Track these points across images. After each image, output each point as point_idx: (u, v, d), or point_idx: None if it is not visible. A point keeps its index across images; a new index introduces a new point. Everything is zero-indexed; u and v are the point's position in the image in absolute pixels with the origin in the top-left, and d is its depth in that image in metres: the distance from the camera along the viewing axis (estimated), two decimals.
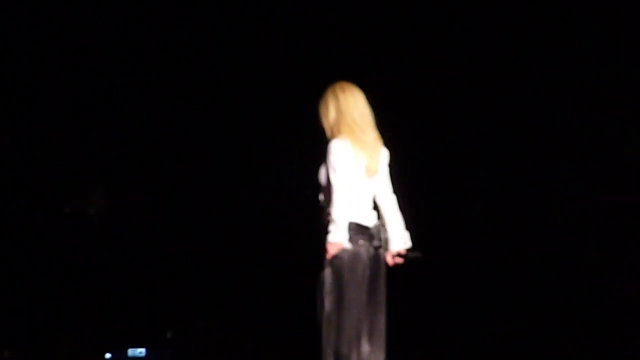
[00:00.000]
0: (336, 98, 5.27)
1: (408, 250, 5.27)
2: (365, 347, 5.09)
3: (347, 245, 5.02)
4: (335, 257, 5.00)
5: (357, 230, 5.08)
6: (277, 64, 9.15)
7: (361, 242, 5.07)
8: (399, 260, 5.25)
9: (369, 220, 5.20)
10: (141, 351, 5.70)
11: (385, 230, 5.25)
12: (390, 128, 5.41)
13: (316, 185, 5.25)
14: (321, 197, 5.21)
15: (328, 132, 5.26)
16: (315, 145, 5.16)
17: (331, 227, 5.00)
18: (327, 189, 5.13)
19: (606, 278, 8.03)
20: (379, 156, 5.27)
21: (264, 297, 9.01)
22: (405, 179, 5.47)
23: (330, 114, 5.25)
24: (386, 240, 5.24)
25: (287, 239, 8.50)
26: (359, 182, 5.18)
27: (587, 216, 8.25)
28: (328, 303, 5.00)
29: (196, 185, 9.31)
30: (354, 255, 5.04)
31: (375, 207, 5.28)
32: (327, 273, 5.02)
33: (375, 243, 5.17)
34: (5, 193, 8.31)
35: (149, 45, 8.85)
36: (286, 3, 8.95)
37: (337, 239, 4.99)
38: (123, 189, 8.98)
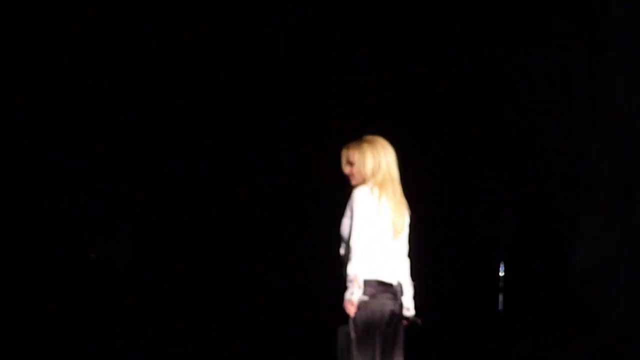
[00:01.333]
0: (376, 150, 5.27)
1: (411, 317, 5.32)
2: None
3: (367, 299, 5.01)
4: (357, 312, 5.00)
5: (378, 287, 5.08)
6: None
7: (384, 297, 5.07)
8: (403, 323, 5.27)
9: (392, 277, 5.21)
10: None
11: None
12: None
13: (338, 237, 5.26)
14: (342, 250, 5.22)
15: (358, 180, 5.27)
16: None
17: (349, 284, 5.00)
18: (348, 242, 5.10)
19: None
20: (404, 216, 5.30)
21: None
22: None
23: (367, 164, 5.24)
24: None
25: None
26: (384, 236, 5.20)
27: None
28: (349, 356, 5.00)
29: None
30: (376, 312, 5.03)
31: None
32: (349, 328, 5.03)
33: (399, 300, 5.20)
34: (29, 240, 8.31)
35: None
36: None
37: (355, 297, 4.98)
38: (148, 231, 8.93)
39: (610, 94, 8.10)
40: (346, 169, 5.33)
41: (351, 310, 4.98)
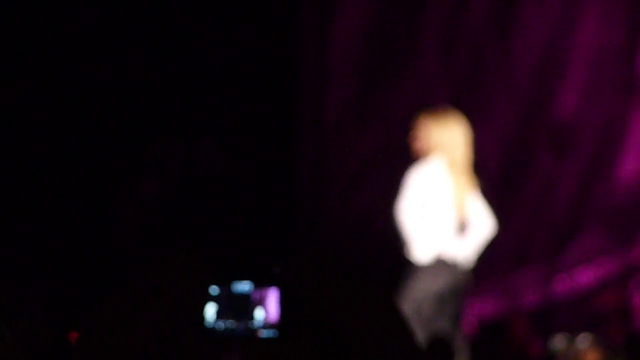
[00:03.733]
0: (442, 125, 5.23)
1: None
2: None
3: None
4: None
5: (440, 266, 5.15)
6: None
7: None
8: None
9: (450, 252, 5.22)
10: (246, 284, 5.46)
11: None
12: None
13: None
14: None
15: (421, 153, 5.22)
16: None
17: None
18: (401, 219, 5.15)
19: None
20: (467, 194, 5.28)
21: None
22: None
23: (431, 138, 5.20)
24: None
25: None
26: (443, 213, 5.17)
27: None
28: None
29: None
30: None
31: None
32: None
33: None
34: None
35: None
36: None
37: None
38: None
39: None
40: (413, 142, 5.28)
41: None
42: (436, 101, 7.44)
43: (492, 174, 7.28)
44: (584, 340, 6.31)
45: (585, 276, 7.19)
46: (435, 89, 7.54)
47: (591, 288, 7.15)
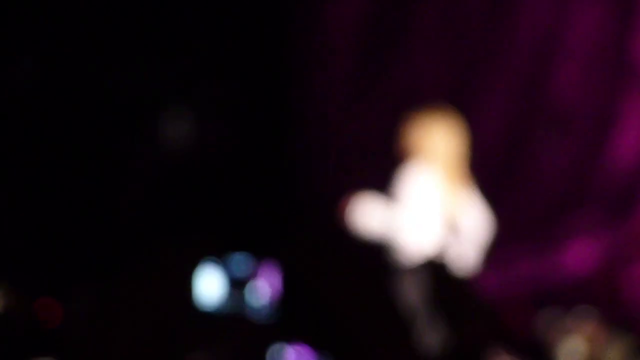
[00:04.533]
0: (433, 125, 4.95)
1: None
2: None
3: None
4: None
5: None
6: None
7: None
8: None
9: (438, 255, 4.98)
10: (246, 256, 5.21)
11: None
12: None
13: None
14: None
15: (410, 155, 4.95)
16: None
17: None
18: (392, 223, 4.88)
19: None
20: (458, 196, 5.02)
21: None
22: None
23: (421, 140, 4.94)
24: None
25: None
26: (432, 217, 4.89)
27: None
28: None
29: None
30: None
31: None
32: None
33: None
34: None
35: None
36: None
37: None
38: None
39: None
40: (401, 142, 5.06)
41: None
42: (432, 87, 7.46)
43: (489, 154, 7.31)
44: (579, 313, 6.34)
45: (582, 251, 7.23)
46: (430, 73, 7.53)
47: (587, 263, 7.19)
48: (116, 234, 7.48)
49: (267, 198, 7.53)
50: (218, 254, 4.75)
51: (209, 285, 4.74)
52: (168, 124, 7.80)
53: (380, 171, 5.36)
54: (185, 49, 7.80)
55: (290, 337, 4.53)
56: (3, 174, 7.34)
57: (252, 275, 4.92)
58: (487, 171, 7.08)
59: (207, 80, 7.84)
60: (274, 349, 4.65)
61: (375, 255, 4.82)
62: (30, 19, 7.49)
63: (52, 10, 7.48)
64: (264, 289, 4.99)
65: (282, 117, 7.79)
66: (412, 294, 4.75)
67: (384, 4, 7.64)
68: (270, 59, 7.79)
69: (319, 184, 7.53)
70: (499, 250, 7.12)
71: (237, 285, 5.01)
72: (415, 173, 4.88)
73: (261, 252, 5.01)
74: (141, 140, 7.91)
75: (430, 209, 4.89)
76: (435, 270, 4.93)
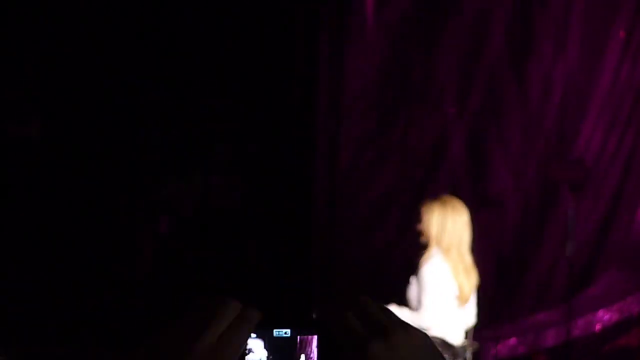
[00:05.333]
0: (445, 212, 5.33)
1: None
2: None
3: None
4: None
5: (441, 345, 5.15)
6: None
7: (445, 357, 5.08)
8: None
9: (455, 338, 5.30)
10: (286, 332, 5.30)
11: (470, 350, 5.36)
12: None
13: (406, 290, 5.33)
14: (408, 313, 5.26)
15: (424, 239, 5.35)
16: None
17: None
18: (416, 304, 5.23)
19: None
20: (471, 282, 5.36)
21: None
22: None
23: (433, 229, 5.31)
24: None
25: None
26: (451, 301, 5.27)
27: None
28: None
29: None
30: None
31: None
32: None
33: None
34: None
35: None
36: None
37: None
38: None
39: None
40: (417, 226, 5.39)
41: None
42: (452, 138, 7.41)
43: (510, 213, 7.23)
44: None
45: (604, 316, 7.11)
46: (451, 125, 7.47)
47: (610, 329, 7.08)
48: (132, 295, 7.36)
49: (292, 263, 7.42)
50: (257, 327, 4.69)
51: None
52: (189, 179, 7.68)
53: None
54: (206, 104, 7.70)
55: None
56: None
57: (292, 350, 4.92)
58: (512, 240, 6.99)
59: (229, 138, 7.72)
60: None
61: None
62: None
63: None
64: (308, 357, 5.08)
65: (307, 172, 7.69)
66: None
67: (406, 54, 7.52)
68: (291, 115, 7.68)
69: (342, 244, 7.40)
70: (526, 319, 6.99)
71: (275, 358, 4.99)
72: (435, 260, 5.24)
73: (299, 326, 4.93)
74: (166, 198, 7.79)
75: (449, 294, 5.25)
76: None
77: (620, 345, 6.92)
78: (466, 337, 5.45)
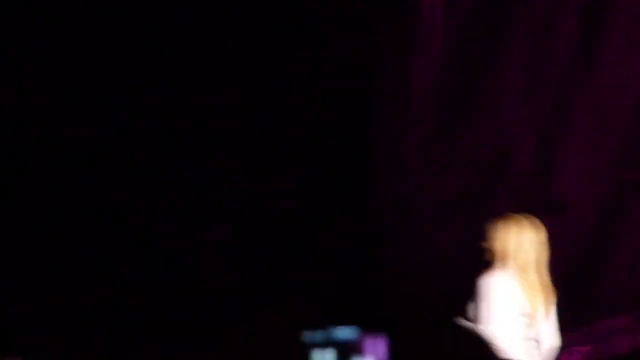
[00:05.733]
0: (521, 231, 5.25)
1: None
2: None
3: None
4: None
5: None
6: None
7: None
8: None
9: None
10: (352, 331, 5.21)
11: None
12: None
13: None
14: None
15: (498, 258, 5.25)
16: None
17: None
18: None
19: None
20: (546, 302, 5.27)
21: None
22: None
23: (509, 244, 5.22)
24: None
25: None
26: (521, 322, 5.19)
27: None
28: None
29: None
30: None
31: None
32: None
33: None
34: None
35: None
36: None
37: None
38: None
39: None
40: (490, 245, 5.29)
41: None
42: (519, 141, 7.26)
43: (582, 218, 7.05)
44: None
45: None
46: (519, 129, 7.31)
47: None
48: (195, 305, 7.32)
49: (351, 261, 7.33)
50: (323, 325, 4.64)
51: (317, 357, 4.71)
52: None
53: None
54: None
55: None
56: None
57: (358, 349, 4.87)
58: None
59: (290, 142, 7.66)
60: None
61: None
62: None
63: None
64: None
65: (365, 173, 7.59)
66: None
67: (471, 55, 7.38)
68: (354, 117, 7.59)
69: (406, 247, 7.28)
70: (599, 326, 6.81)
71: (343, 358, 4.94)
72: (502, 277, 5.19)
73: (366, 324, 4.93)
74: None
75: (515, 313, 5.18)
76: None
77: None
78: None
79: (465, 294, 5.54)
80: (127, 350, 6.98)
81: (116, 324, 7.16)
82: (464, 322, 4.83)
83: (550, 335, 5.34)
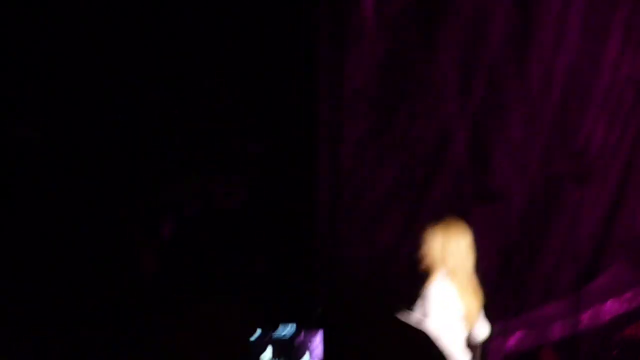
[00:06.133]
0: (449, 235, 5.39)
1: None
2: None
3: None
4: None
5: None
6: None
7: None
8: None
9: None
10: (291, 327, 5.31)
11: None
12: None
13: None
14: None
15: (429, 261, 5.40)
16: None
17: None
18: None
19: None
20: (477, 303, 5.43)
21: None
22: None
23: (437, 252, 5.38)
24: None
25: None
26: (456, 323, 5.34)
27: None
28: None
29: None
30: None
31: None
32: None
33: None
34: None
35: None
36: None
37: None
38: None
39: None
40: (423, 249, 5.43)
41: None
42: (455, 134, 7.38)
43: (515, 207, 7.21)
44: None
45: (612, 308, 7.09)
46: (453, 121, 7.44)
47: (617, 320, 7.07)
48: (134, 299, 7.34)
49: (295, 257, 7.41)
50: (264, 323, 4.80)
51: (257, 355, 4.83)
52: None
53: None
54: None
55: None
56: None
57: (297, 345, 4.99)
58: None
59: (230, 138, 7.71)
60: None
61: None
62: None
63: None
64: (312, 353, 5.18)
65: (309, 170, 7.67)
66: None
67: (405, 51, 7.48)
68: (292, 113, 7.66)
69: (345, 243, 7.38)
70: (532, 312, 6.98)
71: (282, 354, 5.07)
72: (439, 284, 5.33)
73: (304, 321, 5.07)
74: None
75: (453, 318, 5.33)
76: None
77: (628, 336, 6.90)
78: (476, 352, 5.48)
79: (404, 289, 5.68)
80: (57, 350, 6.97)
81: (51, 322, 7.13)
82: (403, 317, 4.95)
83: (480, 330, 5.51)
